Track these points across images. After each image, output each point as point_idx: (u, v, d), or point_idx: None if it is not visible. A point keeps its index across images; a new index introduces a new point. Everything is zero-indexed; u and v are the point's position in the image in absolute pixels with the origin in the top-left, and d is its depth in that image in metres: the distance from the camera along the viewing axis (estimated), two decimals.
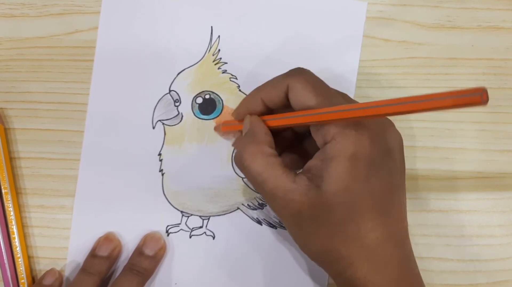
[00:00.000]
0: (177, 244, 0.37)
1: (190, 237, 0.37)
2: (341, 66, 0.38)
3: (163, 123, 0.38)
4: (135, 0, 0.38)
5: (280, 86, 0.32)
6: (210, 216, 0.37)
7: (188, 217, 0.37)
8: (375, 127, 0.30)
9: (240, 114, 0.34)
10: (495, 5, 0.38)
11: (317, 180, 0.29)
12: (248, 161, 0.31)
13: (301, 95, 0.30)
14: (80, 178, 0.37)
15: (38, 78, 0.38)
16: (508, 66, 0.38)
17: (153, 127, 0.38)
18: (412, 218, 0.37)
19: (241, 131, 0.34)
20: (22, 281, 0.36)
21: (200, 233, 0.37)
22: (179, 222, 0.37)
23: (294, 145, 0.35)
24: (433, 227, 0.37)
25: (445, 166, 0.37)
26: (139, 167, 0.37)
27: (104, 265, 0.36)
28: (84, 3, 0.38)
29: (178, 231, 0.37)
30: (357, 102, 0.33)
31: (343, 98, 0.32)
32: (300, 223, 0.31)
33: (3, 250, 0.36)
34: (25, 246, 0.37)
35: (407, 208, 0.37)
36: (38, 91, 0.38)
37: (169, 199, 0.37)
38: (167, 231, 0.37)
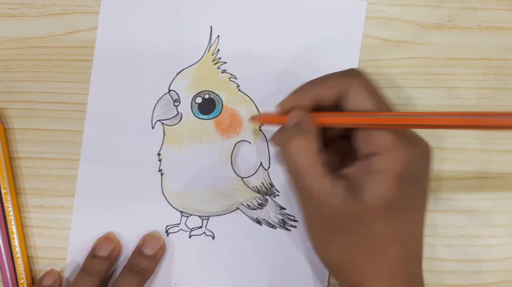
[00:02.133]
0: (177, 244, 0.37)
1: (190, 237, 0.37)
2: (341, 66, 0.37)
3: (162, 123, 0.38)
4: (134, 0, 0.38)
5: (334, 86, 0.31)
6: (209, 216, 0.37)
7: (187, 217, 0.37)
8: (422, 149, 0.30)
9: (286, 106, 0.33)
10: (495, 5, 0.38)
11: (356, 190, 0.29)
12: (295, 152, 0.30)
13: (359, 98, 0.30)
14: (80, 178, 0.37)
15: (38, 78, 0.38)
16: (508, 66, 0.38)
17: (153, 127, 0.38)
18: None
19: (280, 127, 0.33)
20: (22, 281, 0.36)
21: (200, 233, 0.37)
22: (178, 222, 0.37)
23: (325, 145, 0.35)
24: (433, 227, 0.37)
25: (445, 166, 0.37)
26: (138, 167, 0.37)
27: (104, 265, 0.36)
28: (84, 3, 0.38)
29: (178, 231, 0.37)
30: None
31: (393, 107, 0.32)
32: (331, 228, 0.30)
33: (2, 250, 0.36)
34: (25, 246, 0.37)
35: None
36: (38, 91, 0.38)
37: (168, 199, 0.37)
38: (166, 231, 0.37)
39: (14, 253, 0.36)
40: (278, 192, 0.37)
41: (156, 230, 0.37)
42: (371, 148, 0.29)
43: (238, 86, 0.38)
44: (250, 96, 0.38)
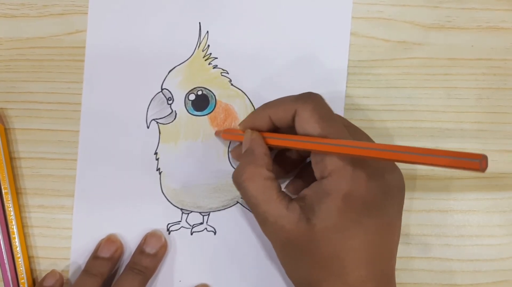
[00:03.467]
0: (179, 242, 0.37)
1: (191, 234, 0.37)
2: (330, 62, 0.38)
3: (157, 122, 0.38)
4: (121, 2, 0.38)
5: (288, 108, 0.32)
6: (210, 212, 0.38)
7: (188, 214, 0.38)
8: (375, 167, 0.30)
9: (246, 127, 0.34)
10: (495, 5, 0.38)
11: (308, 211, 0.30)
12: (246, 182, 0.31)
13: (306, 123, 0.30)
14: (78, 179, 0.38)
15: (38, 78, 0.38)
16: (508, 66, 0.38)
17: (148, 127, 0.38)
18: (412, 218, 0.37)
19: (241, 142, 0.34)
20: (22, 281, 0.36)
21: (201, 229, 0.37)
22: (179, 220, 0.37)
23: (301, 166, 0.36)
24: (433, 227, 0.37)
25: None
26: (136, 167, 0.37)
27: (106, 266, 0.36)
28: (84, 3, 0.38)
29: (179, 228, 0.37)
30: (366, 135, 0.33)
31: (352, 131, 0.32)
32: (287, 250, 0.31)
33: (3, 250, 0.36)
34: (25, 246, 0.37)
35: (409, 208, 0.37)
36: (38, 91, 0.38)
37: (168, 197, 0.37)
38: (168, 229, 0.37)
39: (14, 253, 0.36)
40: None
41: (157, 228, 0.37)
42: (322, 170, 0.30)
43: (230, 81, 0.38)
44: (243, 90, 0.38)
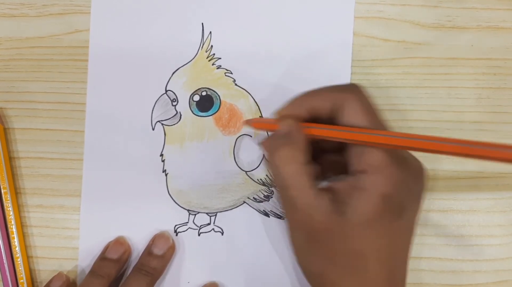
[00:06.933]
0: (187, 243, 0.37)
1: (199, 234, 0.37)
2: (333, 62, 0.38)
3: (162, 124, 0.38)
4: (124, 2, 0.38)
5: (331, 98, 0.31)
6: (217, 212, 0.37)
7: (195, 215, 0.37)
8: (415, 171, 0.30)
9: (283, 115, 0.33)
10: (495, 5, 0.38)
11: (341, 205, 0.29)
12: (281, 162, 0.30)
13: (355, 113, 0.30)
14: (84, 182, 0.37)
15: (38, 78, 0.38)
16: (508, 66, 0.38)
17: (153, 129, 0.38)
18: None
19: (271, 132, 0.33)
20: (22, 281, 0.36)
21: (209, 230, 0.37)
22: (186, 221, 0.37)
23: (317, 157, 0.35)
24: (433, 227, 0.37)
25: (445, 166, 0.37)
26: (142, 169, 0.37)
27: (114, 268, 0.36)
28: (84, 3, 0.38)
29: (187, 229, 0.37)
30: None
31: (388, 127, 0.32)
32: (310, 240, 0.30)
33: (2, 250, 0.36)
34: (24, 245, 0.37)
35: None
36: (38, 91, 0.38)
37: (174, 199, 0.37)
38: (175, 231, 0.37)
39: (14, 252, 0.36)
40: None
41: (165, 230, 0.37)
42: (362, 165, 0.29)
43: (234, 80, 0.38)
44: (247, 90, 0.38)
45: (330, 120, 0.31)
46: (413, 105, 0.37)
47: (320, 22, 0.38)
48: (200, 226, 0.37)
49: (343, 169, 0.31)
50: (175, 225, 0.37)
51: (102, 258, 0.36)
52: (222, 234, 0.37)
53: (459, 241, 0.37)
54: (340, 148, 0.32)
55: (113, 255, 0.36)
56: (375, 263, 0.29)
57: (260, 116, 0.38)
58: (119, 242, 0.36)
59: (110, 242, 0.37)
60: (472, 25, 0.38)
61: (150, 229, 0.37)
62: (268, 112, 0.37)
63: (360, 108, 0.30)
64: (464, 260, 0.37)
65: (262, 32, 0.38)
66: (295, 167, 0.30)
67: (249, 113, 0.38)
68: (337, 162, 0.33)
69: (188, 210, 0.37)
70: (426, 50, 0.38)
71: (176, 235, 0.37)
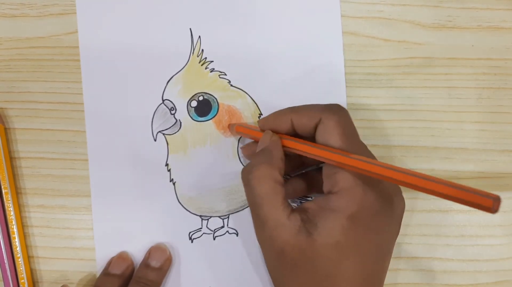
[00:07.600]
0: (204, 248, 0.37)
1: (214, 238, 0.37)
2: (324, 50, 0.38)
3: (163, 134, 0.38)
4: (109, 17, 0.38)
5: (314, 115, 0.31)
6: (229, 214, 0.37)
7: (207, 219, 0.37)
8: (385, 191, 0.30)
9: (265, 126, 0.34)
10: (495, 5, 0.38)
11: (310, 225, 0.29)
12: (256, 180, 0.31)
13: (329, 133, 0.30)
14: (93, 195, 0.37)
15: (38, 78, 0.38)
16: (508, 66, 0.38)
17: (155, 140, 0.38)
18: (413, 218, 0.37)
19: (253, 140, 0.34)
20: (22, 281, 0.36)
21: (223, 233, 0.37)
22: (200, 227, 0.37)
23: (298, 171, 0.36)
24: (433, 227, 0.37)
25: (445, 166, 0.37)
26: (150, 180, 0.37)
27: (117, 283, 0.35)
28: None
29: (201, 235, 0.37)
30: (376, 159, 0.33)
31: (367, 152, 0.32)
32: (280, 261, 0.30)
33: (3, 250, 0.36)
34: (25, 245, 0.37)
35: (410, 208, 0.37)
36: (38, 91, 0.38)
37: (185, 206, 0.37)
38: (190, 238, 0.37)
39: (14, 252, 0.36)
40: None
41: (179, 238, 0.37)
42: (332, 185, 0.30)
43: (230, 82, 0.38)
44: (244, 89, 0.38)
45: (312, 138, 0.32)
46: (413, 106, 0.37)
47: (308, 21, 0.38)
48: (214, 229, 0.37)
49: (320, 188, 0.32)
50: (190, 232, 0.37)
51: (105, 273, 0.36)
52: (237, 235, 0.37)
53: (459, 241, 0.37)
54: (320, 166, 0.32)
55: (116, 270, 0.36)
56: (345, 284, 0.29)
57: (259, 114, 0.38)
58: (122, 257, 0.36)
59: (113, 258, 0.37)
60: (473, 25, 0.38)
61: (164, 239, 0.37)
62: (266, 111, 0.37)
63: (337, 129, 0.30)
64: (464, 260, 0.37)
65: (251, 31, 0.38)
66: (270, 185, 0.30)
67: (248, 113, 0.38)
68: (316, 179, 0.33)
69: (200, 216, 0.37)
70: (427, 50, 0.38)
71: (192, 242, 0.37)
